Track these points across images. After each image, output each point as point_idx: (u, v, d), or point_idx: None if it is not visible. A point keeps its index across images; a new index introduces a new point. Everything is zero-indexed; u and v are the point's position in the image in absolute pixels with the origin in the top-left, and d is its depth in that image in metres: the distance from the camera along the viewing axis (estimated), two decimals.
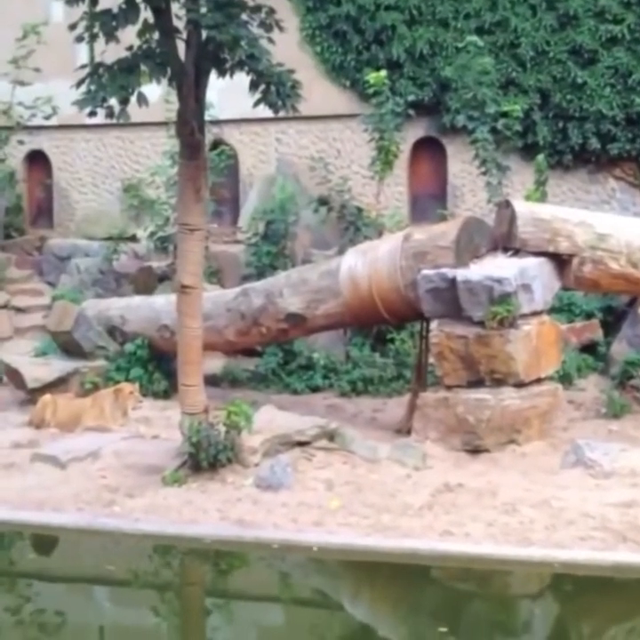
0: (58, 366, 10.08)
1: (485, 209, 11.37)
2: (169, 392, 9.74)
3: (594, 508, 6.78)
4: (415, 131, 12.72)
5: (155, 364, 10.03)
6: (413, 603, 6.17)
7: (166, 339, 9.71)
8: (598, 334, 10.35)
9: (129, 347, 10.09)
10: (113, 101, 7.46)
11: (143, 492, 7.39)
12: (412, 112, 11.82)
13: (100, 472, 7.85)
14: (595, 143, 12.19)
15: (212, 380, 9.41)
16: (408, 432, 8.49)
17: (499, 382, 8.20)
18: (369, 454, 7.85)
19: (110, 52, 7.52)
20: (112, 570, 6.74)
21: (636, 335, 10.12)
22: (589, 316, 10.58)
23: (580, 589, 6.23)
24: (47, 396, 9.34)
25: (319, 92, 12.53)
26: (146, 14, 7.45)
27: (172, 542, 6.96)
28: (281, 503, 7.08)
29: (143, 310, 10.27)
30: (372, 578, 6.54)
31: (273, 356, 10.27)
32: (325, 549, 6.59)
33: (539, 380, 8.40)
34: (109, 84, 7.36)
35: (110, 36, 7.38)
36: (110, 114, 7.54)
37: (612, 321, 10.52)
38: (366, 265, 8.99)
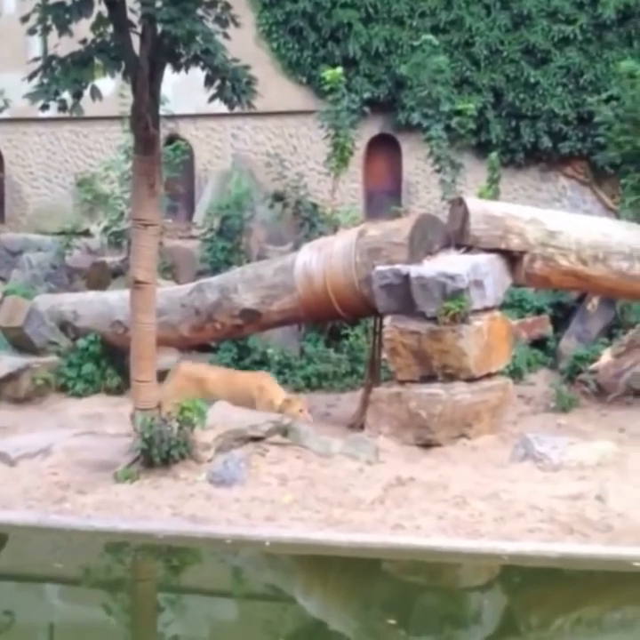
0: (8, 362, 9.96)
1: (439, 206, 11.50)
2: (122, 388, 9.68)
3: (542, 500, 6.88)
4: (370, 128, 12.81)
5: (107, 360, 9.97)
6: (364, 596, 6.22)
7: (120, 334, 9.66)
8: (548, 330, 10.52)
9: (81, 342, 10.02)
10: (66, 95, 7.41)
11: (95, 488, 7.34)
12: (367, 109, 11.91)
13: (50, 469, 7.76)
14: (546, 142, 12.38)
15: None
16: (361, 427, 8.56)
17: (451, 377, 8.30)
18: (322, 449, 7.88)
19: (64, 45, 7.46)
20: (61, 567, 6.67)
21: (585, 331, 10.31)
22: (540, 311, 10.75)
23: (528, 580, 6.33)
24: (188, 367, 9.00)
25: (275, 88, 12.55)
26: (100, 8, 7.40)
27: (124, 539, 6.92)
28: (234, 498, 7.09)
29: (96, 306, 10.20)
30: (324, 572, 6.58)
31: (227, 352, 10.27)
32: (278, 544, 6.61)
33: (489, 375, 8.51)
34: (62, 78, 7.31)
35: (63, 29, 7.33)
36: (63, 107, 7.47)
37: (562, 317, 10.70)
38: (321, 261, 9.04)
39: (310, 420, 8.50)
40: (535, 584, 6.30)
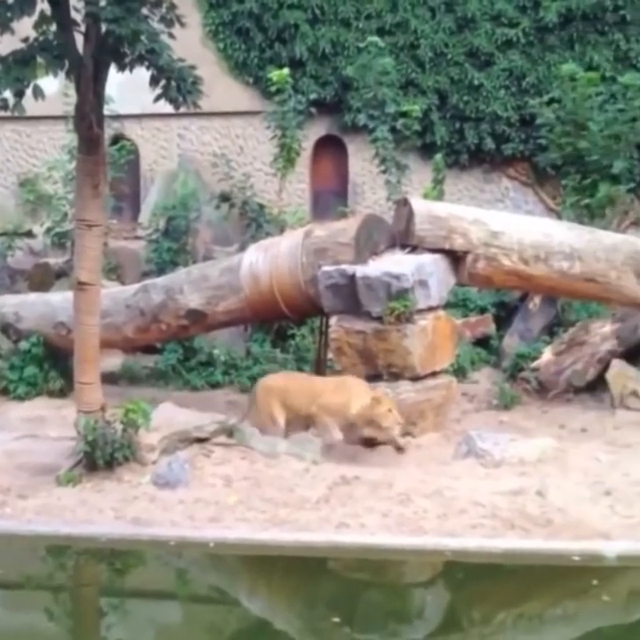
0: None
1: (385, 206, 11.61)
2: (65, 390, 9.58)
3: (484, 496, 6.96)
4: (317, 129, 12.87)
5: (50, 362, 9.84)
6: (309, 595, 6.24)
7: (63, 336, 9.55)
8: (491, 328, 10.68)
9: (23, 344, 9.88)
10: (7, 94, 7.33)
11: (36, 492, 7.24)
12: (314, 110, 11.99)
13: None
14: (490, 143, 12.57)
15: (110, 378, 9.32)
16: (307, 426, 8.58)
17: (395, 376, 8.37)
18: (268, 449, 7.89)
19: (5, 44, 7.38)
20: (1, 572, 6.57)
21: (527, 329, 10.47)
22: (483, 310, 10.91)
23: (472, 576, 6.41)
24: (273, 381, 8.25)
25: (222, 88, 12.54)
26: (43, 6, 7.32)
27: (66, 542, 6.84)
28: (178, 500, 7.05)
29: (39, 307, 10.07)
30: (269, 572, 6.59)
31: (173, 353, 10.23)
32: (222, 545, 6.59)
33: (434, 374, 8.60)
34: (3, 76, 7.23)
35: (5, 28, 7.25)
36: (4, 106, 7.40)
37: (505, 316, 10.87)
38: (267, 261, 9.05)
39: (400, 420, 7.79)
40: (478, 579, 6.38)
